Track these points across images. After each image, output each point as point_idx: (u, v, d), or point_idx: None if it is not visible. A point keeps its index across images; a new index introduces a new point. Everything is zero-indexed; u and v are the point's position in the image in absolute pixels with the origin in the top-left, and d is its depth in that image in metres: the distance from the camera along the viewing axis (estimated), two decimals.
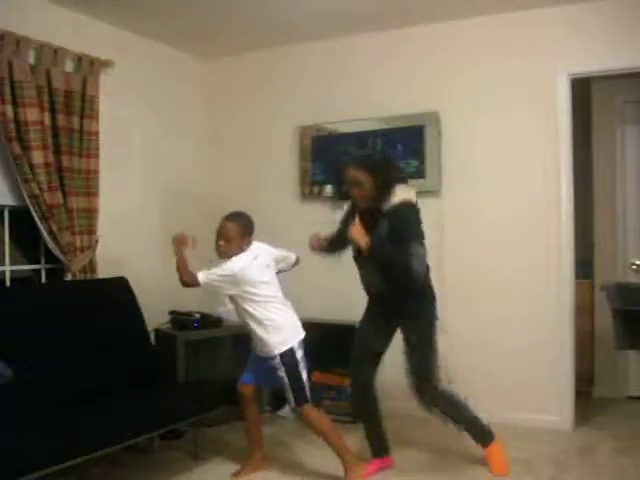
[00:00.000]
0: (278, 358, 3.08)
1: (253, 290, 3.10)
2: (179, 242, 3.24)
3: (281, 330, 3.11)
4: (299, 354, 3.11)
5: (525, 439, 3.64)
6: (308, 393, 3.11)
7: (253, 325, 3.13)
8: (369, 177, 3.03)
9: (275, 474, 3.27)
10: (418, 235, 3.04)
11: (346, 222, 3.20)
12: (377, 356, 3.25)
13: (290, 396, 3.09)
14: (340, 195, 3.50)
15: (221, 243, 3.16)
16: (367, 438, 3.34)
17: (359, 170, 3.06)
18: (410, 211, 3.05)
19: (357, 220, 3.06)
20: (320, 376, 4.24)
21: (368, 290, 3.25)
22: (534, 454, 3.44)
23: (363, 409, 3.32)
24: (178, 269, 3.15)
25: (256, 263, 3.13)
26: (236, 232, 3.15)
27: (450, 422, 3.23)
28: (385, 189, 3.04)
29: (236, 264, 3.09)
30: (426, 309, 3.13)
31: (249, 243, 3.19)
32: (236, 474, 3.25)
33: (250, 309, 3.11)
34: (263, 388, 3.59)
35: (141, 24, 4.17)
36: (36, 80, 3.53)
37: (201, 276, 3.08)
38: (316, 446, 3.34)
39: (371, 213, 3.08)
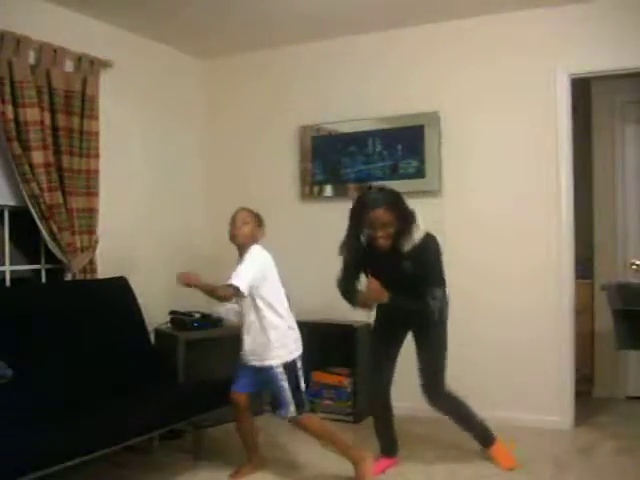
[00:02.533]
0: (281, 367, 3.03)
1: (269, 289, 3.08)
2: (185, 279, 3.00)
3: (289, 338, 3.10)
4: (299, 363, 3.10)
5: (525, 439, 3.63)
6: (306, 401, 3.12)
7: (261, 329, 3.06)
8: (393, 216, 2.98)
9: (275, 475, 3.27)
10: (441, 275, 3.05)
11: (358, 257, 3.12)
12: (394, 358, 3.25)
13: (291, 405, 3.03)
14: (354, 244, 3.12)
15: (238, 226, 3.14)
16: (378, 436, 3.36)
17: (386, 210, 2.97)
18: (435, 250, 3.03)
19: (373, 279, 2.95)
20: (320, 376, 4.25)
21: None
22: (534, 454, 3.43)
23: (380, 409, 3.33)
24: (208, 294, 3.00)
25: (270, 258, 3.14)
26: (251, 218, 3.18)
27: (456, 421, 3.25)
28: (408, 226, 3.00)
29: (256, 250, 3.07)
30: (441, 312, 3.10)
31: (262, 236, 3.21)
32: (233, 475, 3.25)
33: (264, 308, 3.06)
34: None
35: (141, 24, 4.17)
36: (36, 80, 3.53)
37: (237, 281, 2.92)
38: (316, 446, 3.34)
39: (388, 253, 3.03)
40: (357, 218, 3.05)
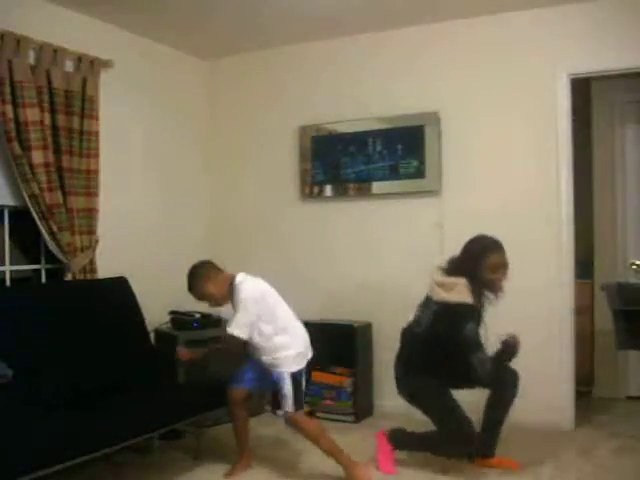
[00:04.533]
0: (288, 374, 3.09)
1: (270, 316, 3.10)
2: (185, 357, 3.28)
3: (298, 354, 3.14)
4: (305, 367, 3.17)
5: (525, 439, 3.64)
6: (303, 400, 3.15)
7: (270, 350, 3.12)
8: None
9: (275, 474, 3.27)
10: None
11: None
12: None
13: (290, 402, 3.07)
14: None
15: (207, 301, 3.19)
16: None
17: (504, 252, 3.05)
18: None
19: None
20: (320, 376, 4.24)
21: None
22: (534, 454, 3.43)
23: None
24: (214, 354, 3.22)
25: (258, 287, 3.14)
26: (204, 282, 3.13)
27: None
28: None
29: (243, 292, 3.05)
30: None
31: (228, 278, 3.15)
32: (228, 474, 3.26)
33: (270, 334, 3.10)
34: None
35: (141, 24, 4.17)
36: (36, 80, 3.53)
37: (237, 332, 3.03)
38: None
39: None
40: (479, 263, 3.04)
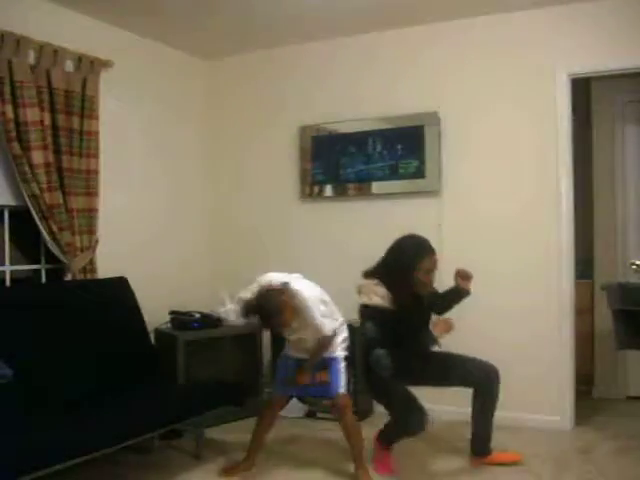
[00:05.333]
0: (342, 357, 3.24)
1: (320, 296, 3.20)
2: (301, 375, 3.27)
3: (344, 337, 3.31)
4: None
5: (525, 439, 3.64)
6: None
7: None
8: None
9: (280, 476, 3.27)
10: None
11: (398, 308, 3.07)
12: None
13: (343, 383, 3.18)
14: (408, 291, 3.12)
15: (283, 324, 3.07)
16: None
17: (434, 252, 3.10)
18: None
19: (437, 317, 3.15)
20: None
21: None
22: (534, 454, 3.43)
23: None
24: (319, 353, 3.20)
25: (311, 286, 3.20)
26: (283, 304, 2.99)
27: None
28: None
29: (304, 297, 3.06)
30: None
31: (294, 294, 3.06)
32: (227, 471, 3.26)
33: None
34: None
35: (141, 24, 4.17)
36: (36, 80, 3.53)
37: (325, 330, 3.11)
38: (321, 447, 3.34)
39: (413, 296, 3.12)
40: (413, 261, 3.06)
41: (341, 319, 3.29)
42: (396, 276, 3.06)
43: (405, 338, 3.04)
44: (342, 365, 3.21)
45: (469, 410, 3.25)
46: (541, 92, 3.96)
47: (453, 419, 3.79)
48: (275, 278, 3.09)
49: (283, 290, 3.00)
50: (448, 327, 3.03)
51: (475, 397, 3.23)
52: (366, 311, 3.09)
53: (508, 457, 3.28)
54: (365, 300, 3.07)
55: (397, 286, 3.04)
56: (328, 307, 3.20)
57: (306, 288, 3.11)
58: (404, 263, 3.06)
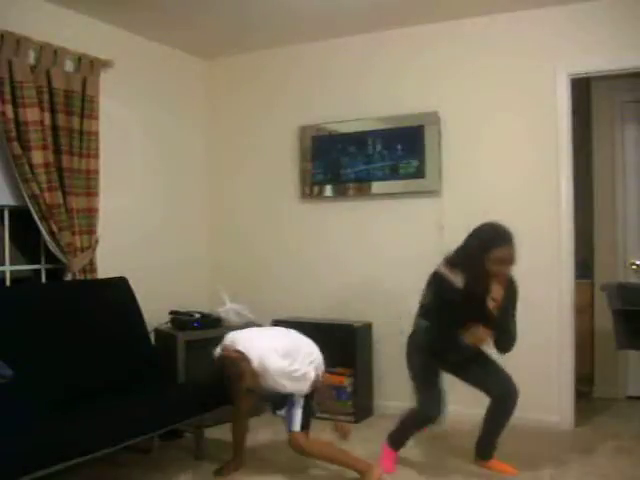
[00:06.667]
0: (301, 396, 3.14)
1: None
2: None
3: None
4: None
5: (525, 439, 3.63)
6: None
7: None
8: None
9: (278, 475, 3.27)
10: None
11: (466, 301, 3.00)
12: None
13: (298, 419, 3.08)
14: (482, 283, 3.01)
15: (247, 387, 3.07)
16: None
17: (513, 246, 3.00)
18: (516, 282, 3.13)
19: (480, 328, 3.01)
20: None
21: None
22: (534, 454, 3.44)
23: None
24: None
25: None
26: (242, 371, 2.98)
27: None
28: None
29: (265, 360, 3.00)
30: None
31: (252, 360, 3.01)
32: (220, 473, 3.27)
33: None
34: None
35: (141, 24, 4.17)
36: (36, 80, 3.53)
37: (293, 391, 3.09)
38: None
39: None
40: (485, 245, 3.00)
41: (303, 370, 3.10)
42: (467, 260, 3.01)
43: (455, 324, 2.99)
44: (300, 405, 3.10)
45: (474, 411, 3.24)
46: (541, 92, 3.96)
47: (459, 420, 3.77)
48: (236, 340, 3.08)
49: (241, 357, 2.98)
50: (482, 340, 3.03)
51: (494, 407, 3.20)
52: (433, 278, 3.04)
53: (505, 468, 3.23)
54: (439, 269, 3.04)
55: (467, 270, 2.99)
56: (292, 357, 3.07)
57: (265, 349, 3.02)
58: (476, 247, 3.02)
